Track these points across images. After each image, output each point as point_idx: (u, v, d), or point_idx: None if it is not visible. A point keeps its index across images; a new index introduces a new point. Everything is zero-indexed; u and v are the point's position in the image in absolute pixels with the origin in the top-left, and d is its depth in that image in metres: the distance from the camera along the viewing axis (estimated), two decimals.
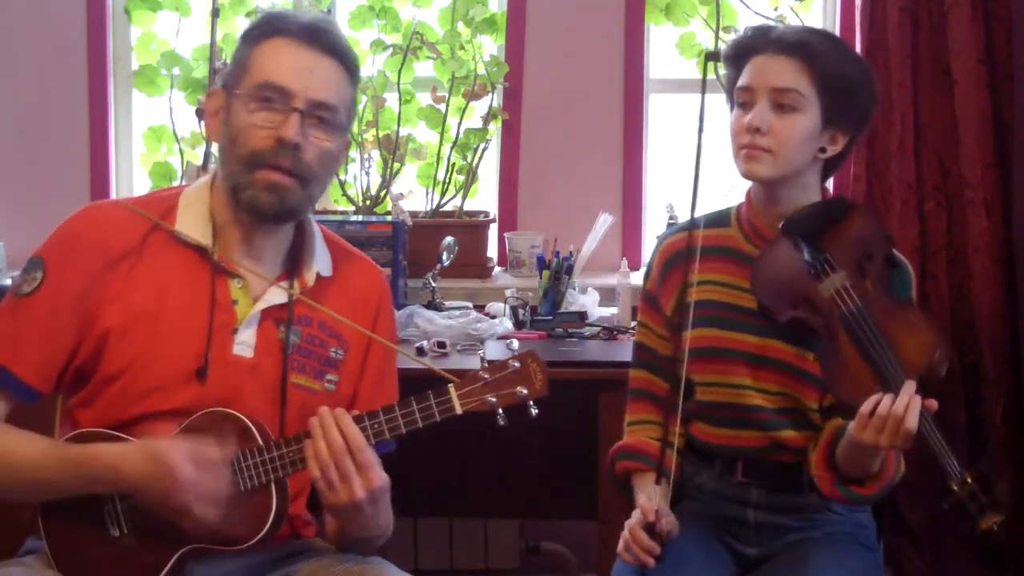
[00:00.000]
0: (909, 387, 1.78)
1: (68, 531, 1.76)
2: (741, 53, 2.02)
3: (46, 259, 1.77)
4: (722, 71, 2.10)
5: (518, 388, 1.67)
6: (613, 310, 2.98)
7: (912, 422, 1.75)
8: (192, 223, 1.80)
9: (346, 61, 1.79)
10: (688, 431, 2.10)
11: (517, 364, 1.67)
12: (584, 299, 2.98)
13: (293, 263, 1.85)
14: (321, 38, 1.76)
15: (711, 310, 2.03)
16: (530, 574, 3.26)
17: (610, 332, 2.83)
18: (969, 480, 1.75)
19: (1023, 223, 3.06)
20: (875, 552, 2.08)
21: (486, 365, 1.68)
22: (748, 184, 2.07)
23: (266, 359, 1.79)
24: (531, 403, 1.67)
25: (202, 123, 3.09)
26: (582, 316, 2.89)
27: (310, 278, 1.84)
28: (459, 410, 1.66)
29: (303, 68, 1.74)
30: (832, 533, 2.04)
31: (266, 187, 1.73)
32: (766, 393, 2.00)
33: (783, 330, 1.96)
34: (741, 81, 1.99)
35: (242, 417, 1.71)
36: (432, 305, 2.98)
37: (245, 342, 1.79)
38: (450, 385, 1.67)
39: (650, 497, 1.90)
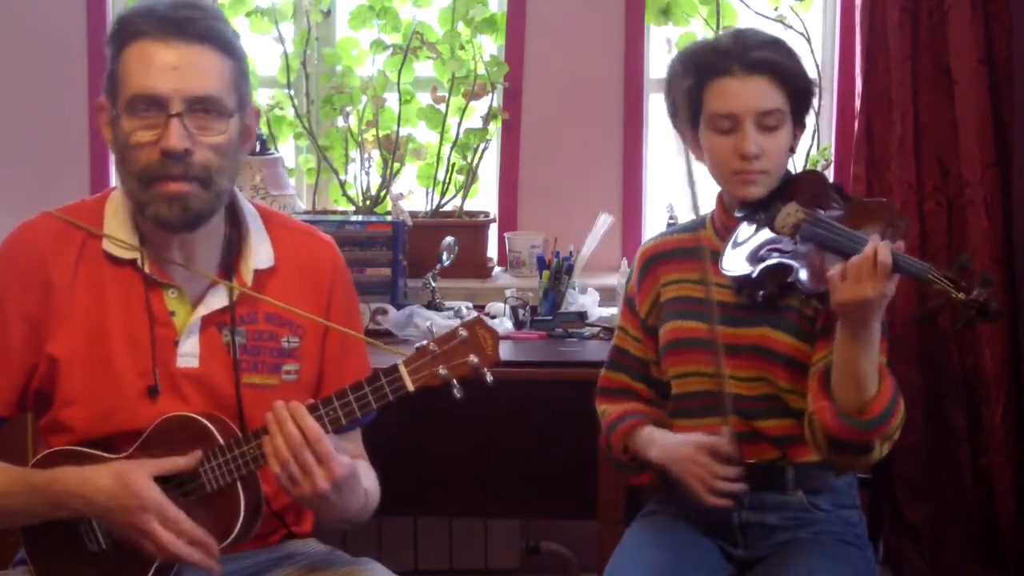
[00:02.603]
0: (873, 239, 1.81)
1: (49, 549, 1.76)
2: (704, 74, 2.01)
3: None
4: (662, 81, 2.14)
5: (470, 357, 1.60)
6: (613, 310, 2.98)
7: (885, 254, 1.78)
8: (120, 233, 1.76)
9: (218, 41, 1.68)
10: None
11: (465, 333, 1.61)
12: (584, 299, 2.98)
13: (230, 259, 1.79)
14: (183, 28, 1.65)
15: (684, 305, 2.08)
16: (530, 574, 3.26)
17: (610, 332, 2.82)
18: (953, 276, 1.79)
19: (1023, 223, 3.06)
20: (865, 550, 2.08)
21: (433, 337, 1.63)
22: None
23: (213, 366, 1.76)
24: (485, 370, 1.61)
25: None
26: (582, 316, 2.89)
27: (247, 276, 1.78)
28: (411, 387, 1.61)
29: (170, 68, 1.64)
30: (820, 533, 2.04)
31: (166, 200, 1.67)
32: (741, 380, 2.03)
33: (761, 293, 1.99)
34: (719, 108, 2.00)
35: (199, 419, 1.69)
36: (432, 305, 2.98)
37: (189, 352, 1.75)
38: (399, 362, 1.62)
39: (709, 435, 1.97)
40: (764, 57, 1.99)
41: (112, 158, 3.28)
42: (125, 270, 1.76)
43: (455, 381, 1.61)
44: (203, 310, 1.76)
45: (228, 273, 1.79)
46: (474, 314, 2.88)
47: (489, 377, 1.62)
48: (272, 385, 1.79)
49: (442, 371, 1.61)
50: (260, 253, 1.80)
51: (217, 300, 1.77)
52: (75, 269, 1.75)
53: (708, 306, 2.05)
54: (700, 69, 2.02)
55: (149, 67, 1.64)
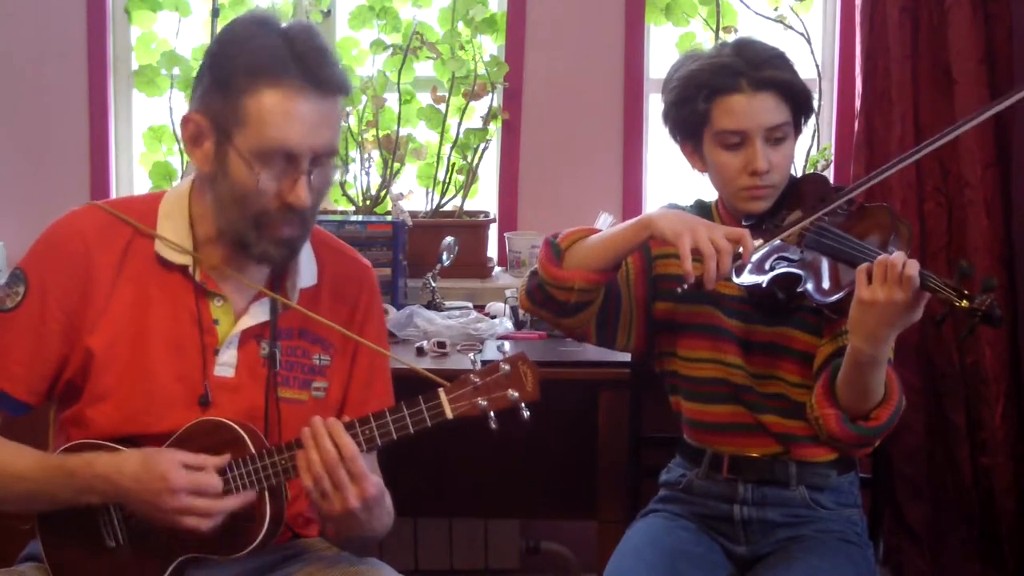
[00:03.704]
0: (899, 254, 1.81)
1: (65, 543, 1.76)
2: (711, 92, 2.01)
3: (28, 272, 1.75)
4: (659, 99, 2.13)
5: (509, 391, 1.64)
6: None
7: (912, 266, 1.78)
8: (172, 236, 1.76)
9: (347, 91, 1.68)
10: (680, 414, 2.15)
11: (508, 367, 1.65)
12: None
13: (277, 276, 1.81)
14: (327, 82, 1.64)
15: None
16: (530, 574, 3.26)
17: None
18: (955, 285, 1.78)
19: (1023, 223, 3.07)
20: (866, 549, 2.09)
21: (477, 368, 1.66)
22: None
23: (248, 378, 1.77)
24: (523, 406, 1.64)
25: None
26: None
27: (293, 295, 1.79)
28: (450, 415, 1.64)
29: (310, 125, 1.63)
30: (822, 531, 2.05)
31: (278, 243, 1.69)
32: (753, 375, 2.05)
33: (772, 304, 2.01)
34: (729, 125, 2.01)
35: (234, 426, 1.70)
36: (432, 305, 2.98)
37: (227, 363, 1.77)
38: (440, 390, 1.64)
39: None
40: (773, 76, 2.01)
41: (113, 154, 3.32)
42: (174, 274, 1.76)
43: (492, 413, 1.63)
44: (247, 322, 1.77)
45: (274, 289, 1.80)
46: (474, 314, 2.91)
47: (526, 413, 1.64)
48: (301, 401, 1.81)
49: (482, 402, 1.64)
50: (305, 272, 1.81)
51: (261, 313, 1.78)
52: (119, 264, 1.75)
53: (726, 300, 2.06)
54: (706, 87, 2.02)
55: (291, 121, 1.62)
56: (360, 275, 1.90)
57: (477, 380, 1.64)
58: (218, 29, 3.05)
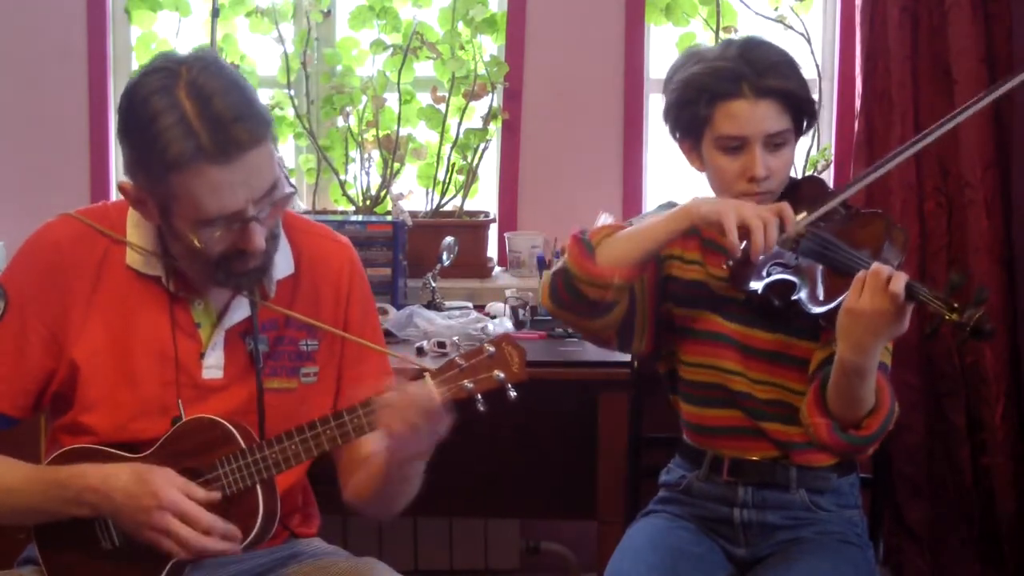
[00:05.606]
0: (877, 266, 1.80)
1: (62, 547, 1.76)
2: (713, 95, 2.00)
3: (7, 287, 1.74)
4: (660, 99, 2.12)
5: (495, 372, 1.63)
6: None
7: (898, 278, 1.76)
8: (143, 244, 1.74)
9: (268, 133, 1.61)
10: (680, 415, 2.15)
11: (492, 349, 1.64)
12: None
13: None
14: (242, 142, 1.57)
15: (705, 292, 2.07)
16: (530, 574, 3.26)
17: None
18: (945, 297, 1.75)
19: (1023, 223, 3.07)
20: (866, 550, 2.09)
21: (461, 352, 1.66)
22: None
23: (236, 376, 1.77)
24: (509, 387, 1.63)
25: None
26: None
27: (270, 288, 1.77)
28: (437, 399, 1.63)
29: (239, 184, 1.58)
30: (822, 533, 2.05)
31: (246, 274, 1.68)
32: (753, 382, 2.04)
33: (770, 310, 1.99)
34: (729, 130, 1.99)
35: (223, 422, 1.69)
36: (432, 305, 2.98)
37: (214, 364, 1.76)
38: (426, 375, 1.64)
39: None
40: (776, 84, 1.99)
41: (113, 154, 3.31)
42: (150, 282, 1.75)
43: (479, 396, 1.63)
44: (228, 322, 1.77)
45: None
46: (474, 314, 2.91)
47: (513, 393, 1.64)
48: (290, 389, 1.80)
49: (468, 385, 1.63)
50: (281, 263, 1.78)
51: (241, 311, 1.77)
52: (97, 274, 1.74)
53: (729, 304, 2.05)
54: (708, 91, 2.00)
55: (220, 191, 1.58)
56: (338, 254, 1.87)
57: (463, 363, 1.64)
58: (218, 29, 3.07)
